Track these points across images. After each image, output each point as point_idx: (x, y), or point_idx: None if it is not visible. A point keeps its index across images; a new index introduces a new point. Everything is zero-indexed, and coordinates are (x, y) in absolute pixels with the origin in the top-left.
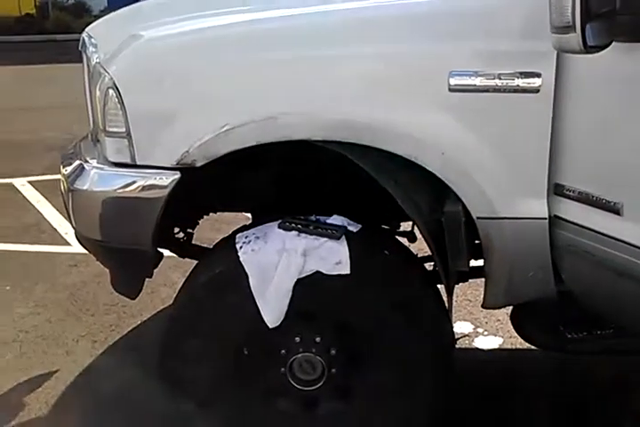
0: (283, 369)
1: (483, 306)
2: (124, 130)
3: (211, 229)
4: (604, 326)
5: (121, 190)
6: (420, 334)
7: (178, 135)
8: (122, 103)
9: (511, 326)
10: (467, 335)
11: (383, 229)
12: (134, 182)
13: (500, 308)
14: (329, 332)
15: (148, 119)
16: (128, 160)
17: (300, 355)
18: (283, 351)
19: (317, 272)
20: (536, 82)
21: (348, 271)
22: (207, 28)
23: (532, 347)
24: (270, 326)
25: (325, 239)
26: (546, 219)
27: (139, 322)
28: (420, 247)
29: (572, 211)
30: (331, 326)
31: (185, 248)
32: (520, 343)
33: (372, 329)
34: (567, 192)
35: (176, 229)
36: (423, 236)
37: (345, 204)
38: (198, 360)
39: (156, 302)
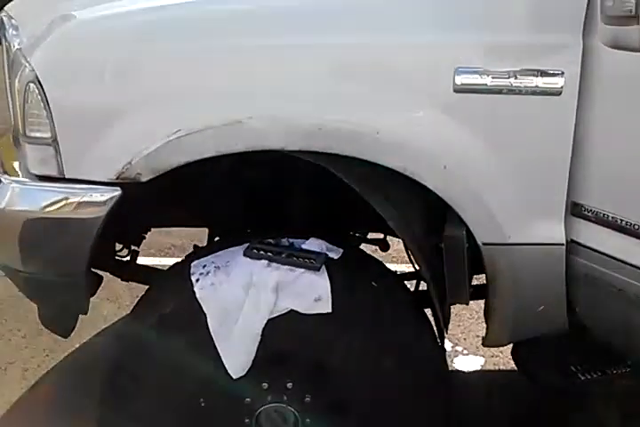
0: (247, 420)
1: (484, 344)
2: (48, 135)
3: (159, 231)
4: (620, 364)
5: (46, 210)
6: (414, 379)
7: (117, 143)
8: (46, 102)
9: None
10: None
11: (365, 254)
12: (62, 200)
13: (503, 346)
14: (303, 377)
15: (80, 122)
16: (54, 173)
17: (268, 405)
18: (247, 400)
19: (292, 311)
20: (558, 82)
21: (329, 309)
22: (156, 8)
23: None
24: (234, 377)
25: (302, 270)
26: (563, 245)
27: (77, 345)
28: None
29: (593, 235)
30: (305, 371)
31: (129, 270)
32: (504, 363)
33: (357, 375)
34: (587, 213)
35: (118, 246)
36: (416, 262)
37: (306, 214)
38: (146, 415)
39: (98, 319)
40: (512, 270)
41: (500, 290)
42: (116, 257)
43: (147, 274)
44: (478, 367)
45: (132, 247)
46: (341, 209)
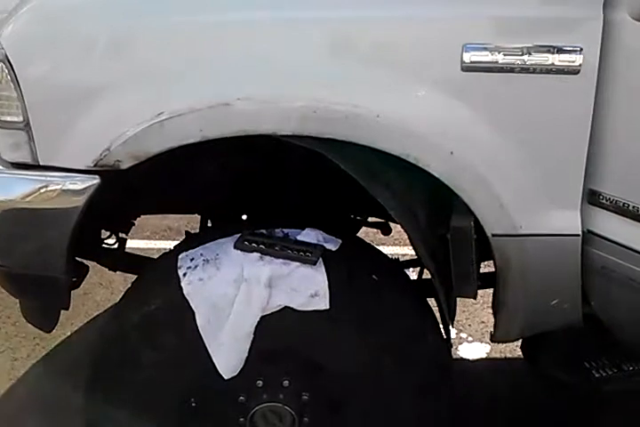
0: (242, 419)
1: (492, 340)
2: (20, 119)
3: None
4: (637, 360)
5: (19, 199)
6: (415, 376)
7: (95, 127)
8: (16, 82)
9: None
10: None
11: (365, 243)
12: (37, 189)
13: (513, 341)
14: (300, 375)
15: (53, 104)
16: (28, 160)
17: (263, 404)
18: (242, 398)
19: (287, 307)
20: (576, 60)
21: (326, 306)
22: None
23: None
24: (225, 378)
25: (297, 264)
26: (578, 235)
27: (68, 333)
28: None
29: (611, 225)
30: (302, 368)
31: (117, 259)
32: (510, 351)
33: (355, 372)
34: (605, 201)
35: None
36: (421, 254)
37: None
38: (131, 417)
39: (90, 305)
40: (524, 263)
41: (511, 283)
42: (103, 245)
43: (135, 263)
44: (484, 355)
45: (120, 235)
46: (340, 193)
